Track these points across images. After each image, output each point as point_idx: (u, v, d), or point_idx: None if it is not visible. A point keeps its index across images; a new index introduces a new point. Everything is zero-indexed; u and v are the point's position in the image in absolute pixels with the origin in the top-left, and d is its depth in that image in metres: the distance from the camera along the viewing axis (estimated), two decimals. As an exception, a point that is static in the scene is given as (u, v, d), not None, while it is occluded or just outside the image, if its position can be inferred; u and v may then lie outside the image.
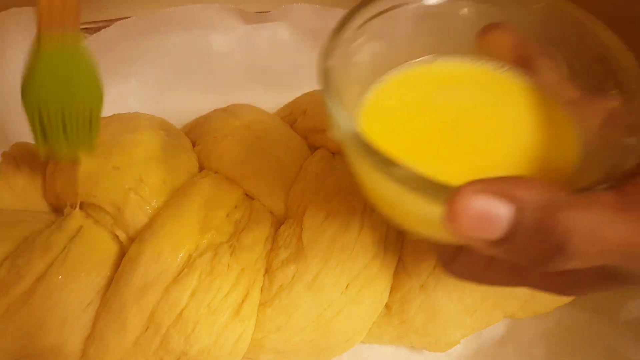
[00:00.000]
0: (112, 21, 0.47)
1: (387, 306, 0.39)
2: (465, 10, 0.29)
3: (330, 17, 0.51)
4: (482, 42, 0.28)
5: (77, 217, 0.37)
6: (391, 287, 0.38)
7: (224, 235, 0.36)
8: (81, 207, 0.38)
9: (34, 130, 0.34)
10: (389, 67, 0.29)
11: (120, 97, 0.48)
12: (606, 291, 0.26)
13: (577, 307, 0.43)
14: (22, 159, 0.41)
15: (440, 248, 0.30)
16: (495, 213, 0.20)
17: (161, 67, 0.49)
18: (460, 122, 0.27)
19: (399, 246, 0.39)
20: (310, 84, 0.51)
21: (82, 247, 0.35)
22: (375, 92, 0.28)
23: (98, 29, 0.47)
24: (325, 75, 0.25)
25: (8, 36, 0.45)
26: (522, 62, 0.28)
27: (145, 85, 0.49)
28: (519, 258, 0.21)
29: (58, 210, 0.40)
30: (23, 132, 0.45)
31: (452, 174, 0.22)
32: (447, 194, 0.20)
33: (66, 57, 0.31)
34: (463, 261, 0.28)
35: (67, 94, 0.32)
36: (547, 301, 0.41)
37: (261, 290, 0.36)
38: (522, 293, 0.39)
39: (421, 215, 0.24)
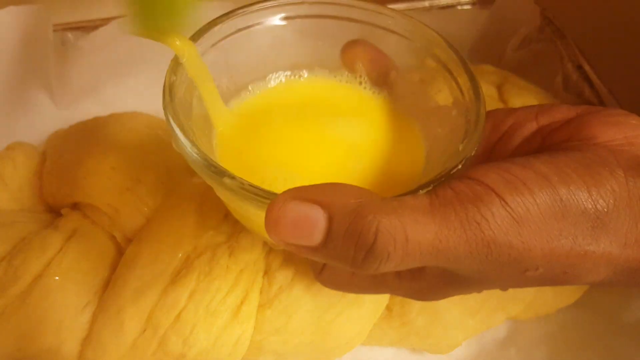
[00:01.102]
0: (110, 19, 0.47)
1: (387, 308, 0.38)
2: (328, 27, 0.31)
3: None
4: (344, 58, 0.30)
5: (73, 218, 0.37)
6: (392, 289, 0.38)
7: (222, 236, 0.36)
8: (78, 208, 0.38)
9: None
10: (246, 82, 0.31)
11: (118, 96, 0.48)
12: (454, 294, 0.27)
13: (580, 309, 0.42)
14: (19, 159, 0.41)
15: (311, 261, 0.31)
16: (310, 219, 0.21)
17: (159, 67, 0.49)
18: (312, 137, 0.28)
19: (399, 247, 0.38)
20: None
21: (79, 248, 0.35)
22: (233, 106, 0.30)
23: (95, 27, 0.47)
24: (169, 89, 0.26)
25: (5, 34, 0.45)
26: (379, 75, 0.30)
27: (143, 85, 0.49)
28: (337, 261, 0.22)
29: (55, 210, 0.40)
30: (21, 132, 0.45)
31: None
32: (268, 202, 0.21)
33: None
34: (330, 271, 0.29)
35: None
36: (550, 303, 0.41)
37: (260, 292, 0.35)
38: (524, 295, 0.39)
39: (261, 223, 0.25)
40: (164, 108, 0.25)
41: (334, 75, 0.31)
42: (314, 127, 0.29)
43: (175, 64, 0.27)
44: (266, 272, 0.36)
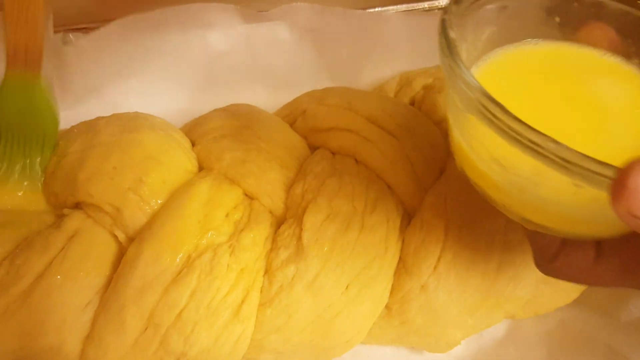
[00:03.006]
0: (111, 20, 0.47)
1: (387, 307, 0.39)
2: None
3: (330, 16, 0.50)
4: (583, 32, 0.29)
5: (76, 217, 0.37)
6: (391, 288, 0.38)
7: (223, 236, 0.36)
8: (80, 207, 0.38)
9: None
10: (497, 44, 0.29)
11: (120, 96, 0.48)
12: None
13: (578, 308, 0.43)
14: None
15: (539, 246, 0.29)
16: None
17: (160, 67, 0.49)
18: (578, 102, 0.27)
19: (399, 246, 0.38)
20: (310, 83, 0.51)
21: (81, 247, 0.35)
22: (484, 68, 0.28)
23: (97, 28, 0.47)
24: (451, 46, 0.24)
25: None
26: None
27: (144, 85, 0.49)
28: None
29: (57, 210, 0.40)
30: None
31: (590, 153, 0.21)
32: (611, 174, 0.19)
33: (27, 91, 0.39)
34: (565, 260, 0.27)
35: (26, 121, 0.39)
36: (548, 302, 0.41)
37: (261, 291, 0.36)
38: (522, 294, 0.39)
39: (556, 202, 0.23)
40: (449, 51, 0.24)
41: (578, 46, 0.30)
42: (574, 89, 0.27)
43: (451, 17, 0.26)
44: (267, 272, 0.36)
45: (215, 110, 0.45)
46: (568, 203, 0.23)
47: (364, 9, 0.54)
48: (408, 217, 0.40)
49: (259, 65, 0.52)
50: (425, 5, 0.56)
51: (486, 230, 0.37)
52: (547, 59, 0.29)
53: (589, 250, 0.26)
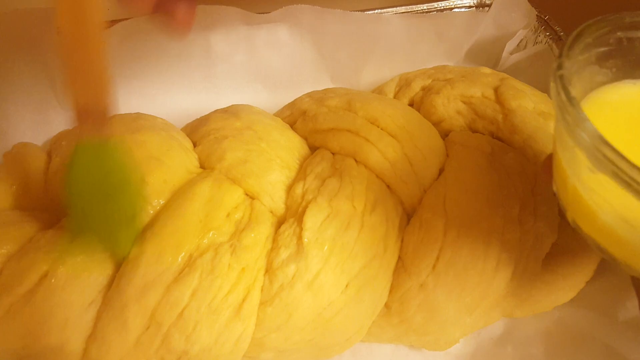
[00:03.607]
0: (113, 22, 0.47)
1: (386, 305, 0.39)
2: None
3: (330, 18, 0.51)
4: None
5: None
6: (391, 287, 0.38)
7: (224, 235, 0.36)
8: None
9: (72, 216, 0.34)
10: (599, 85, 0.29)
11: (122, 97, 0.48)
12: None
13: (576, 307, 0.43)
14: (24, 159, 0.41)
15: None
16: None
17: (162, 68, 0.50)
18: None
19: (398, 246, 0.39)
20: (310, 84, 0.51)
21: (84, 247, 0.35)
22: (591, 107, 0.28)
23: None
24: (574, 103, 0.24)
25: (10, 36, 0.45)
26: None
27: (146, 86, 0.49)
28: None
29: (60, 210, 0.40)
30: (24, 133, 0.46)
31: None
32: None
33: (102, 158, 0.33)
34: None
35: (104, 193, 0.33)
36: (546, 301, 0.41)
37: (261, 290, 0.36)
38: (520, 293, 0.39)
39: None
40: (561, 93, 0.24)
41: None
42: None
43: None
44: (267, 271, 0.36)
45: (217, 111, 0.45)
46: None
47: (364, 10, 0.54)
48: (407, 217, 0.40)
49: (260, 67, 0.52)
50: (424, 7, 0.56)
51: (484, 229, 0.37)
52: None
53: None
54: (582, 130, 0.23)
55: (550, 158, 0.30)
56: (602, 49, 0.29)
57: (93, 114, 0.32)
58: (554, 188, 0.29)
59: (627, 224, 0.24)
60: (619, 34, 0.28)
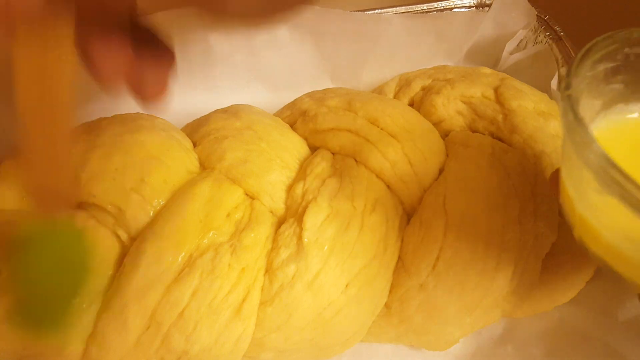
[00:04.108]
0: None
1: (386, 305, 0.39)
2: None
3: (330, 18, 0.51)
4: None
5: (78, 217, 0.37)
6: (391, 287, 0.39)
7: (224, 235, 0.36)
8: (83, 208, 0.38)
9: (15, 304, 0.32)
10: (609, 105, 0.29)
11: (121, 97, 0.48)
12: None
13: (576, 307, 0.43)
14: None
15: None
16: None
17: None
18: None
19: (398, 245, 0.39)
20: (310, 84, 0.51)
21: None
22: (600, 128, 0.28)
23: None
24: (582, 124, 0.24)
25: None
26: None
27: (146, 86, 0.49)
28: None
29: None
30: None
31: None
32: None
33: (56, 237, 0.31)
34: None
35: (52, 273, 0.31)
36: (546, 300, 0.41)
37: (262, 290, 0.36)
38: (520, 292, 0.39)
39: None
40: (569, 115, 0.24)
41: None
42: None
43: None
44: (267, 271, 0.36)
45: (217, 111, 0.45)
46: None
47: (364, 10, 0.54)
48: (407, 217, 0.40)
49: (260, 66, 0.52)
50: (424, 6, 0.56)
51: (484, 229, 0.37)
52: None
53: None
54: (589, 152, 0.23)
55: (557, 172, 0.30)
56: (610, 66, 0.28)
57: (51, 196, 0.29)
58: (560, 202, 0.29)
59: (632, 244, 0.24)
60: (627, 50, 0.28)
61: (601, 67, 0.28)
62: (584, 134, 0.23)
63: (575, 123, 0.24)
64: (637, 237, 0.23)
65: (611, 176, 0.22)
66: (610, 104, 0.29)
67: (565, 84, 0.25)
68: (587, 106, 0.27)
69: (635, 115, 0.29)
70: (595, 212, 0.25)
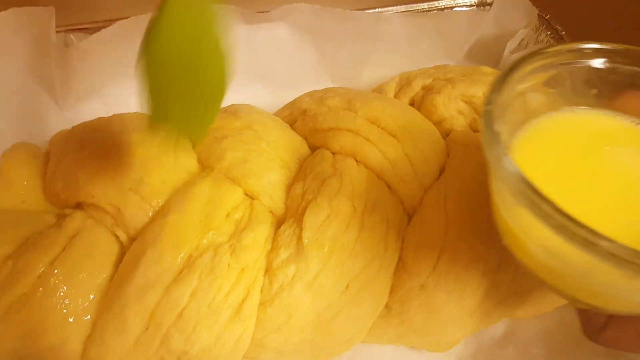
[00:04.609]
0: (112, 21, 0.47)
1: (387, 306, 0.39)
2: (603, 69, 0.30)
3: (330, 17, 0.51)
4: (619, 101, 0.29)
5: (77, 217, 0.37)
6: (391, 287, 0.38)
7: (224, 235, 0.36)
8: (81, 208, 0.38)
9: (147, 97, 0.28)
10: (537, 114, 0.30)
11: (121, 97, 0.48)
12: None
13: (577, 307, 0.43)
14: (23, 159, 0.41)
15: (587, 317, 0.30)
16: None
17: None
18: (614, 176, 0.27)
19: (399, 246, 0.39)
20: (310, 84, 0.51)
21: (82, 247, 0.36)
22: (524, 138, 0.28)
23: (98, 29, 0.47)
24: (496, 138, 0.24)
25: (9, 36, 0.45)
26: None
27: (145, 86, 0.49)
28: None
29: (58, 210, 0.40)
30: (25, 132, 0.46)
31: (613, 232, 0.21)
32: None
33: (193, 20, 0.27)
34: (615, 330, 0.28)
35: (189, 62, 0.27)
36: (547, 301, 0.41)
37: (261, 290, 0.36)
38: (521, 293, 0.39)
39: (608, 288, 0.23)
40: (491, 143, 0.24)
41: (612, 115, 0.30)
42: (597, 161, 0.27)
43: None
44: (267, 271, 0.36)
45: (216, 111, 0.45)
46: (620, 289, 0.23)
47: (364, 9, 0.54)
48: (408, 217, 0.40)
49: (260, 66, 0.52)
50: (425, 5, 0.56)
51: (485, 229, 0.37)
52: (583, 127, 0.29)
53: (638, 322, 0.27)
54: (502, 165, 0.23)
55: None
56: (540, 79, 0.29)
57: None
58: (491, 210, 0.29)
59: (552, 256, 0.24)
60: (556, 63, 0.29)
61: (531, 81, 0.29)
62: (497, 148, 0.24)
63: (490, 137, 0.24)
64: (555, 249, 0.23)
65: (520, 189, 0.22)
66: (541, 114, 0.30)
67: (486, 100, 0.26)
68: (513, 119, 0.28)
69: (564, 122, 0.30)
70: (517, 222, 0.25)
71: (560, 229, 0.21)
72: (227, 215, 0.37)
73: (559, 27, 0.54)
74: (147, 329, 0.34)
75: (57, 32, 0.46)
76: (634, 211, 0.25)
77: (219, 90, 0.29)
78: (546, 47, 0.29)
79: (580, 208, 0.23)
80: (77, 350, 0.34)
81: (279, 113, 0.47)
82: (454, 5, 0.56)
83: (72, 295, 0.34)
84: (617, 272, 0.21)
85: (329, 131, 0.42)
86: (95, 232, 0.37)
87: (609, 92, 0.30)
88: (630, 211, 0.25)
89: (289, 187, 0.40)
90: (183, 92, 0.28)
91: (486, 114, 0.25)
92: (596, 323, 0.29)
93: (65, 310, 0.34)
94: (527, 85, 0.29)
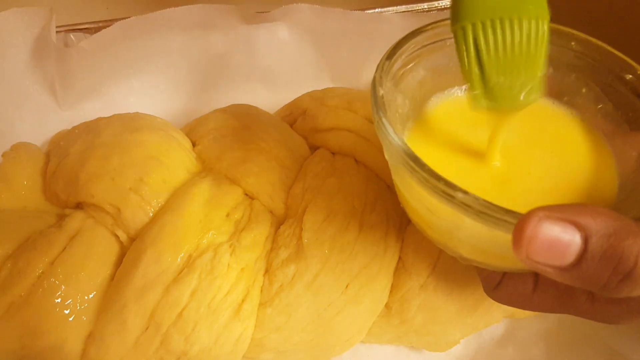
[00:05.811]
0: (112, 21, 0.47)
1: (387, 306, 0.39)
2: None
3: (329, 17, 0.51)
4: None
5: (77, 217, 0.37)
6: (391, 287, 0.38)
7: (224, 235, 0.36)
8: (81, 207, 0.38)
9: (464, 58, 0.25)
10: (431, 93, 0.31)
11: (121, 97, 0.48)
12: None
13: (577, 307, 0.43)
14: (23, 159, 0.41)
15: (484, 275, 0.31)
16: (564, 239, 0.20)
17: (161, 68, 0.49)
18: (506, 148, 0.28)
19: (399, 246, 0.39)
20: (310, 84, 0.51)
21: (82, 247, 0.36)
22: (420, 117, 0.30)
23: (98, 29, 0.47)
24: (379, 103, 0.26)
25: (9, 36, 0.45)
26: (559, 96, 0.30)
27: (145, 86, 0.49)
28: (587, 285, 0.21)
29: (58, 210, 0.40)
30: (25, 132, 0.46)
31: (502, 200, 0.22)
32: (513, 220, 0.21)
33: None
34: (507, 288, 0.29)
35: (512, 6, 0.24)
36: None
37: (261, 290, 0.36)
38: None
39: (479, 241, 0.25)
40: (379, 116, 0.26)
41: None
42: (507, 140, 0.28)
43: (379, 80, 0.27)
44: (267, 271, 0.36)
45: (216, 111, 0.45)
46: (489, 243, 0.24)
47: (364, 9, 0.54)
48: (408, 217, 0.40)
49: (259, 66, 0.52)
50: (425, 6, 0.56)
51: (485, 229, 0.37)
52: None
53: (528, 281, 0.28)
54: (381, 127, 0.25)
55: None
56: (428, 59, 0.30)
57: None
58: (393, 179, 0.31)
59: (428, 210, 0.26)
60: (443, 40, 0.30)
61: (421, 62, 0.30)
62: (379, 113, 0.26)
63: (374, 102, 0.26)
64: (431, 206, 0.25)
65: (396, 149, 0.24)
66: (434, 93, 0.31)
67: (376, 82, 0.27)
68: (409, 96, 0.30)
69: (454, 100, 0.31)
70: (401, 183, 0.28)
71: (424, 184, 0.23)
72: (227, 215, 0.37)
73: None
74: (146, 329, 0.34)
75: (57, 32, 0.46)
76: (523, 181, 0.27)
77: (542, 33, 0.26)
78: (417, 30, 0.30)
79: (470, 179, 0.25)
80: (77, 350, 0.34)
81: (278, 113, 0.47)
82: (454, 5, 0.56)
83: (72, 295, 0.34)
84: (480, 225, 0.22)
85: (329, 131, 0.42)
86: (95, 232, 0.37)
87: None
88: (519, 181, 0.27)
89: (289, 187, 0.40)
90: (506, 43, 0.25)
91: (373, 80, 0.27)
92: (492, 281, 0.30)
93: (65, 310, 0.34)
94: (418, 64, 0.30)
